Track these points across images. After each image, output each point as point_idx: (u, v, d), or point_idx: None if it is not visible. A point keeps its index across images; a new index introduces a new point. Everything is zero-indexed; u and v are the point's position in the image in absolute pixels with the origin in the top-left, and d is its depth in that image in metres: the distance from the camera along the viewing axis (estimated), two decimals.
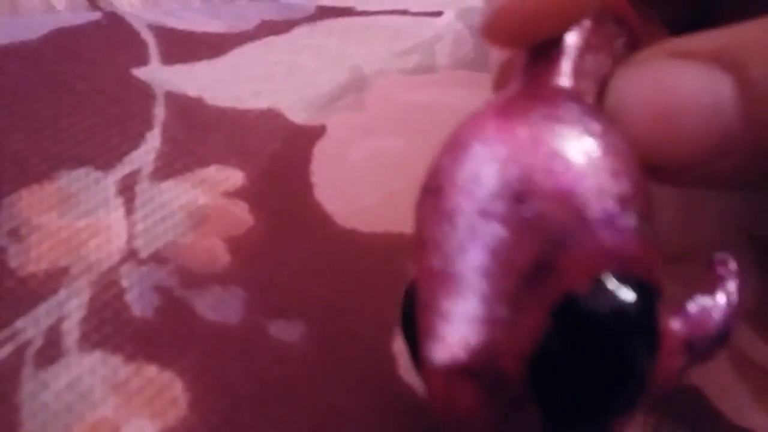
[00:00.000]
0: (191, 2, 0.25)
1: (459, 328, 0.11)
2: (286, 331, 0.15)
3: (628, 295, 0.11)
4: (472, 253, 0.11)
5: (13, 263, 0.16)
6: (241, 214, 0.17)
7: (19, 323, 0.15)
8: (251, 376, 0.15)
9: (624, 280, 0.11)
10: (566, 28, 0.15)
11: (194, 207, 0.17)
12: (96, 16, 0.23)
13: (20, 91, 0.20)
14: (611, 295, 0.11)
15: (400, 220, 0.18)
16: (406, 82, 0.22)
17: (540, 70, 0.13)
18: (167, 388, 0.14)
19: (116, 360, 0.14)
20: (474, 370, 0.11)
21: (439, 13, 0.25)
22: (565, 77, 0.13)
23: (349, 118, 0.20)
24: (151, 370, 0.14)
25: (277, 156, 0.19)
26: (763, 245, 0.18)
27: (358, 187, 0.19)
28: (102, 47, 0.22)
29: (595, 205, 0.11)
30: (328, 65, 0.22)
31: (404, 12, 0.25)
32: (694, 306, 0.12)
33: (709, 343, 0.12)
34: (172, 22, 0.23)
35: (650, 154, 0.13)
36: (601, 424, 0.11)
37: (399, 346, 0.15)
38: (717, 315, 0.12)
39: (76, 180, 0.18)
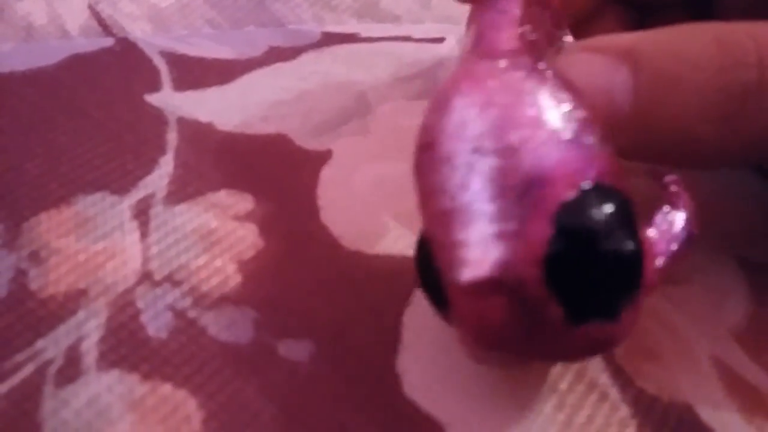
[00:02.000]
0: (201, 29, 0.26)
1: (477, 249, 0.13)
2: (294, 351, 0.16)
3: (608, 196, 0.13)
4: (474, 184, 0.13)
5: (33, 285, 0.16)
6: (251, 237, 0.18)
7: (39, 343, 0.15)
8: (261, 395, 0.15)
9: (600, 187, 0.13)
10: None
11: (206, 230, 0.18)
12: (109, 42, 0.24)
13: (38, 117, 0.20)
14: (593, 198, 0.13)
15: (403, 242, 0.19)
16: (410, 108, 0.22)
17: (492, 36, 0.16)
18: (181, 406, 0.15)
19: (133, 378, 0.15)
20: (497, 280, 0.13)
21: (441, 40, 0.26)
22: (512, 41, 0.16)
23: (354, 143, 0.21)
24: (166, 388, 0.15)
25: (285, 180, 0.20)
26: (753, 268, 0.19)
27: (364, 210, 0.19)
28: (116, 74, 0.22)
29: (565, 128, 0.13)
30: (333, 91, 0.23)
31: (407, 38, 0.26)
32: (661, 217, 0.15)
33: (678, 247, 0.15)
34: (183, 49, 0.24)
35: None
36: (612, 309, 0.13)
37: (403, 364, 0.16)
38: (680, 223, 0.15)
39: (92, 204, 0.18)
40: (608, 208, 0.13)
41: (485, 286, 0.13)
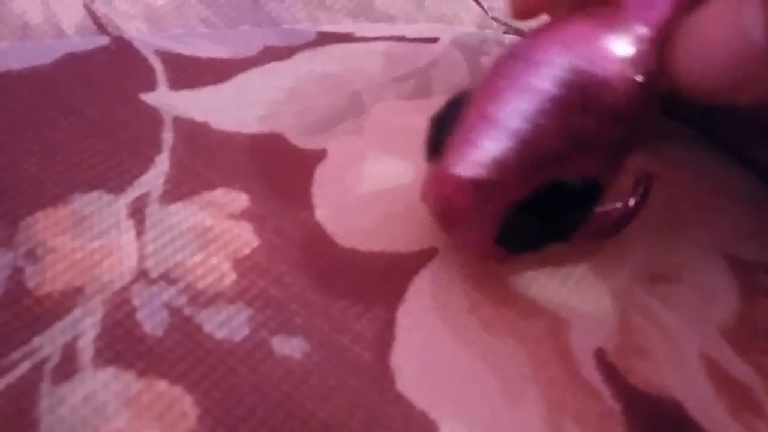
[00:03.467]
0: (196, 28, 0.26)
1: (485, 156, 0.16)
2: (288, 347, 0.16)
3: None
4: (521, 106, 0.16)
5: (30, 283, 0.17)
6: (246, 235, 0.18)
7: (36, 341, 0.16)
8: (256, 391, 0.15)
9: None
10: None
11: (202, 228, 0.18)
12: (104, 41, 0.24)
13: (34, 116, 0.21)
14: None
15: (397, 240, 0.19)
16: (403, 107, 0.23)
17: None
18: (177, 402, 0.15)
19: (129, 375, 0.15)
20: (483, 184, 0.16)
21: (434, 40, 0.26)
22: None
23: (348, 142, 0.21)
24: (162, 385, 0.15)
25: (279, 179, 0.20)
26: (743, 266, 0.19)
27: (357, 209, 0.19)
28: (112, 73, 0.23)
29: None
30: (328, 90, 0.23)
31: (401, 38, 0.26)
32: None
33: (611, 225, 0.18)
34: (178, 48, 0.24)
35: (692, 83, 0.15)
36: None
37: (397, 360, 0.16)
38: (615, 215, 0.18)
39: (89, 203, 0.18)
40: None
41: (471, 183, 0.16)
